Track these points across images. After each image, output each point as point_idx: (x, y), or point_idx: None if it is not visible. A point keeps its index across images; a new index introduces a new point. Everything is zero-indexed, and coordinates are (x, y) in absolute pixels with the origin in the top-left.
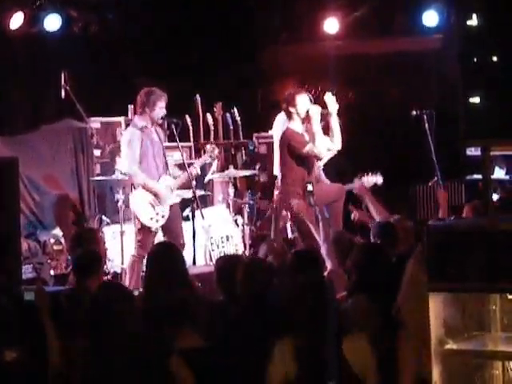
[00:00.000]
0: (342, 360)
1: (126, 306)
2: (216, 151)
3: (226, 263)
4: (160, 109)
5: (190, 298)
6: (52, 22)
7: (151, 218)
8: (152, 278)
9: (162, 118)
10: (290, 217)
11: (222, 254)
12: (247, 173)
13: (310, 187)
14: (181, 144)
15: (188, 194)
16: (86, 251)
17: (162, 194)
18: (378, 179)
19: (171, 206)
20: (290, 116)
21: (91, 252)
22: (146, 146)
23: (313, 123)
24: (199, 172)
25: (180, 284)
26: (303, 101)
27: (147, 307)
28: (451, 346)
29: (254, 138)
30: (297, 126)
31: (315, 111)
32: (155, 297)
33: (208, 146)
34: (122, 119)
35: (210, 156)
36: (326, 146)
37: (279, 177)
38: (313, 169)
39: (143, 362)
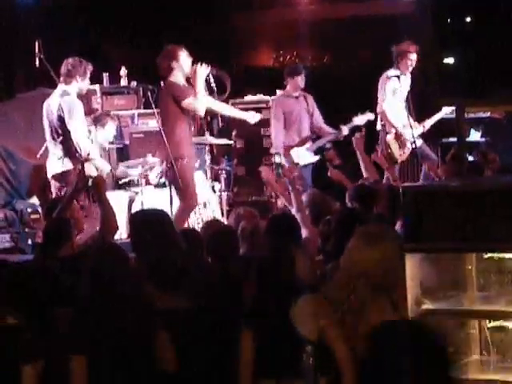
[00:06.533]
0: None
1: (125, 269)
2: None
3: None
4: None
5: (180, 260)
6: None
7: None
8: (142, 241)
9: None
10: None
11: (200, 220)
12: (223, 140)
13: (278, 158)
14: (156, 111)
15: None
16: (55, 219)
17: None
18: (368, 116)
19: None
20: (170, 71)
21: (61, 220)
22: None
23: (198, 80)
24: None
25: (170, 246)
26: (185, 56)
27: (139, 270)
28: (428, 306)
29: (229, 104)
30: (178, 79)
31: (203, 69)
32: (146, 260)
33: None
34: (97, 87)
35: None
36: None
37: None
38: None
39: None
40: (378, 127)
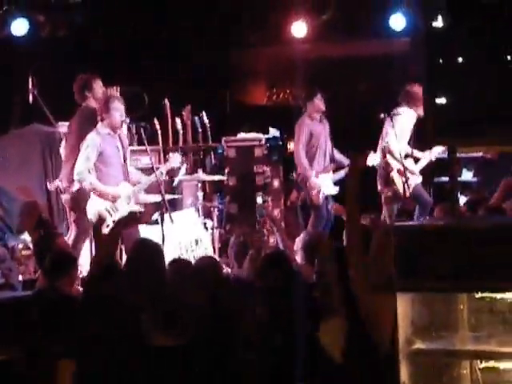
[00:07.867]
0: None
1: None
2: (179, 159)
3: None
4: (116, 111)
5: (166, 297)
6: (19, 27)
7: (107, 226)
8: (129, 275)
9: (124, 122)
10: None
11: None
12: (216, 177)
13: (259, 199)
14: (149, 148)
15: (157, 197)
16: (59, 252)
17: (119, 195)
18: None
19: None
20: (84, 98)
21: (65, 253)
22: (107, 154)
23: None
24: (164, 177)
25: (157, 283)
26: (98, 85)
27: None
28: (419, 345)
29: (222, 142)
30: (92, 106)
31: (114, 91)
32: (133, 294)
33: (171, 154)
34: None
35: (174, 165)
36: None
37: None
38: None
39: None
40: (378, 163)
